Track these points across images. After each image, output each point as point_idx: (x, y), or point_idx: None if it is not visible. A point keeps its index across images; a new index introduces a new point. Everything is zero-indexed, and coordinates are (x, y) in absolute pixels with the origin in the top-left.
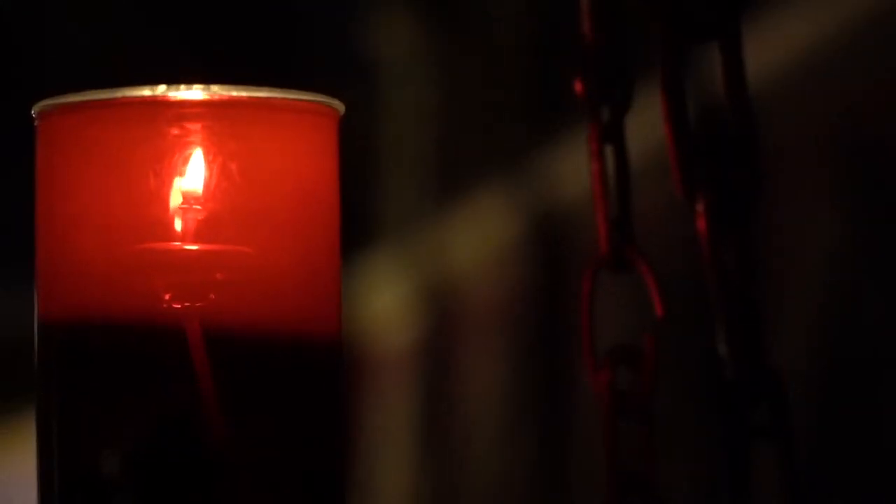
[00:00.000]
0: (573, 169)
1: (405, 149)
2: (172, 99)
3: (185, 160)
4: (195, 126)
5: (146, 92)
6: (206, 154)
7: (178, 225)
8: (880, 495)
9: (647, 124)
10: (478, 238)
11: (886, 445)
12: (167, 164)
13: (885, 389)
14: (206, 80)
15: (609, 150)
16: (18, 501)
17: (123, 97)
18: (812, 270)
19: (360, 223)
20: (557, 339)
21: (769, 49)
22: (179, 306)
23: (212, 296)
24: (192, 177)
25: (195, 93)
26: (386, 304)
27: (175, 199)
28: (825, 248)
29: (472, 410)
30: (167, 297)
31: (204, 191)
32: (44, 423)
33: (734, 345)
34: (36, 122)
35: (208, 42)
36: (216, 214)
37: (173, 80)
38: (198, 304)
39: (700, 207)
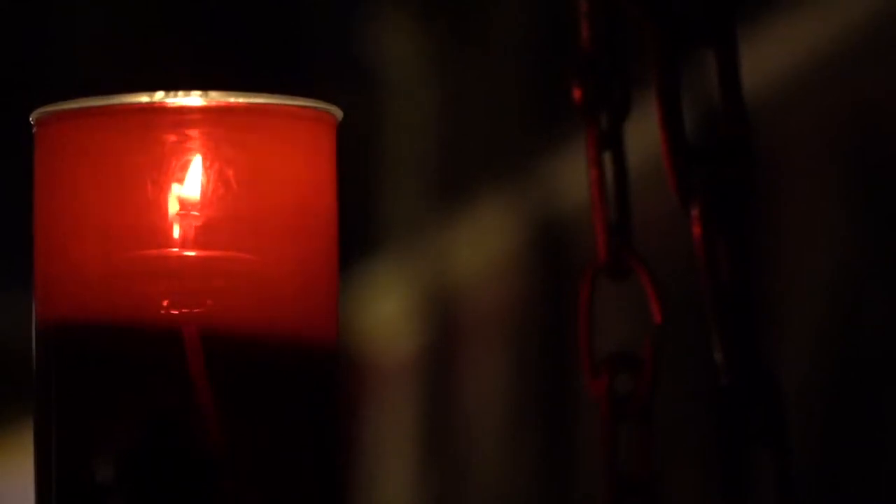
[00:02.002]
0: (575, 176)
1: (407, 156)
2: (170, 105)
3: (183, 167)
4: (193, 132)
5: (144, 99)
6: (203, 160)
7: (175, 231)
8: (884, 499)
9: (646, 131)
10: (479, 245)
11: (891, 449)
12: (165, 171)
13: (889, 393)
14: (204, 86)
15: (608, 157)
16: None
17: (121, 104)
18: (817, 274)
19: (361, 231)
20: (559, 346)
21: (774, 52)
22: (177, 312)
23: (209, 302)
24: (189, 183)
25: (193, 99)
26: (388, 312)
27: (173, 206)
28: (830, 253)
29: (475, 417)
30: (165, 303)
31: (201, 197)
32: (42, 427)
33: (729, 350)
34: (34, 129)
35: (207, 48)
36: (213, 221)
37: (171, 86)
38: (195, 311)
39: (695, 213)
